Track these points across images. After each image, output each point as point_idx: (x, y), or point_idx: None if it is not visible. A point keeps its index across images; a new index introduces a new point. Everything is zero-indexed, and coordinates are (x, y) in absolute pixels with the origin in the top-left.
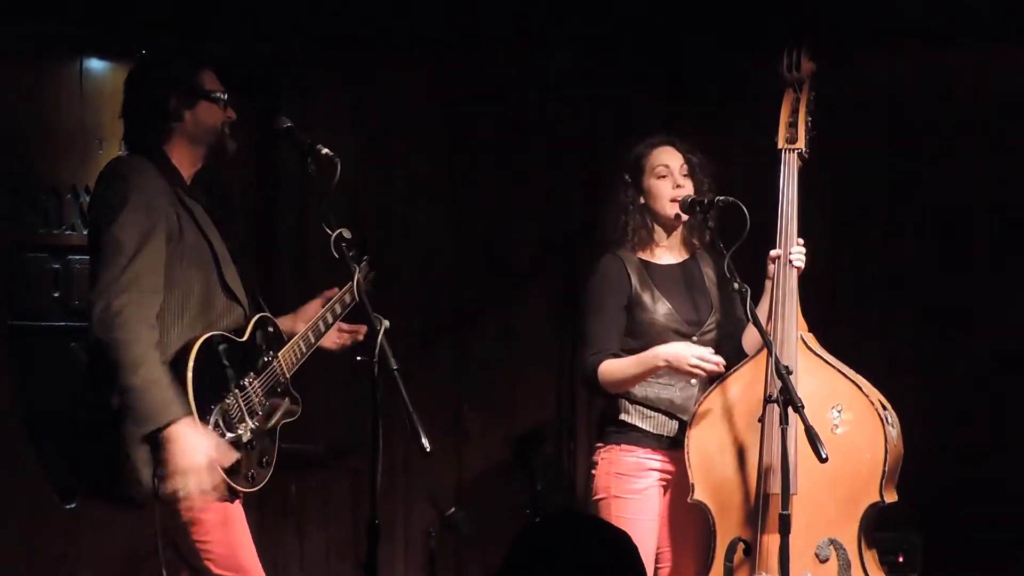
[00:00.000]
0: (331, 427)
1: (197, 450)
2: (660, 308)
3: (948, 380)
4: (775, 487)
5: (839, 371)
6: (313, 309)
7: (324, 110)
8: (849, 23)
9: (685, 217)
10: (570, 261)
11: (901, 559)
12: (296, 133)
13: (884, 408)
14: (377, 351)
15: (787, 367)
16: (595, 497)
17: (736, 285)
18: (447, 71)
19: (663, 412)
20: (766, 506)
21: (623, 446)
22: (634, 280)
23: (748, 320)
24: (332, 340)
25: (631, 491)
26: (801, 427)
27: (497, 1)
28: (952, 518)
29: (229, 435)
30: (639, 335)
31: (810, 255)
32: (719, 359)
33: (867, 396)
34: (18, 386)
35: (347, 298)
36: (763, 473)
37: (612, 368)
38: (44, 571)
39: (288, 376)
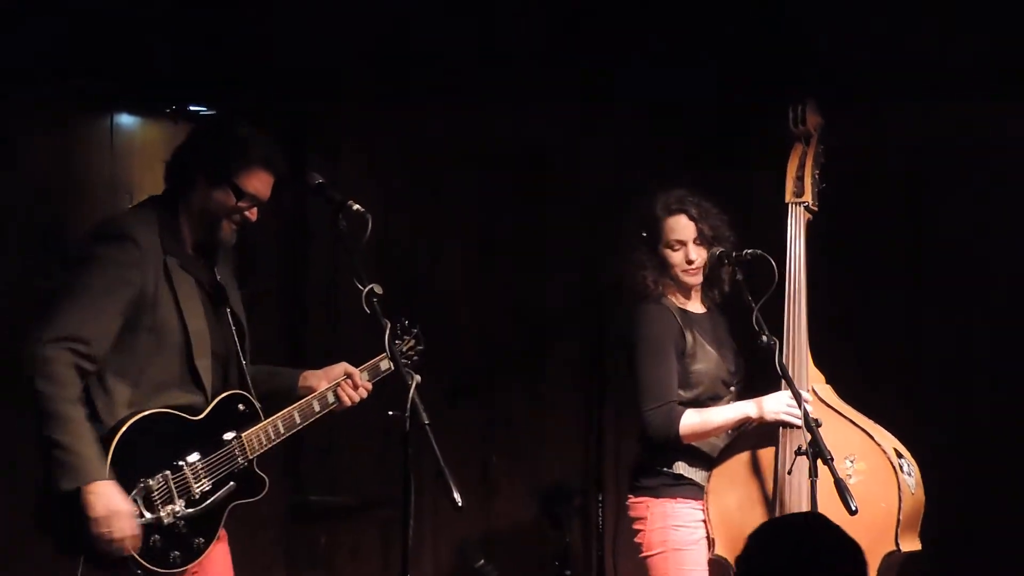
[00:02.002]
0: (361, 479)
1: (119, 500)
2: (711, 357)
3: (972, 431)
4: None
5: (851, 421)
6: (337, 371)
7: (349, 166)
8: (870, 76)
9: (698, 283)
10: (597, 315)
11: None
12: (327, 189)
13: (899, 456)
14: (408, 406)
15: (816, 420)
16: (646, 553)
17: (765, 338)
18: (473, 126)
19: (709, 459)
20: None
21: (678, 499)
22: (686, 331)
23: (779, 373)
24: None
25: (689, 542)
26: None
27: (524, 57)
28: (961, 535)
29: (148, 515)
30: (692, 385)
31: (826, 303)
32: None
33: (879, 445)
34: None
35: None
36: None
37: (698, 422)
38: None
39: (252, 457)
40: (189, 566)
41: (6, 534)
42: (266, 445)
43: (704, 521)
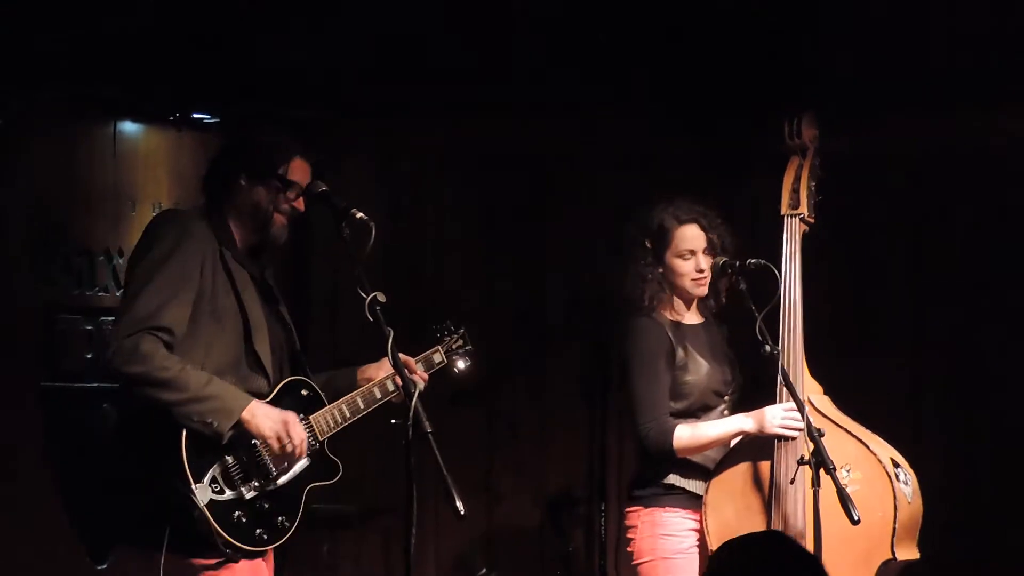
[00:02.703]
0: (363, 488)
1: (276, 410)
2: (701, 369)
3: (973, 444)
4: None
5: (846, 431)
6: (370, 372)
7: (353, 175)
8: (871, 85)
9: (704, 294)
10: (599, 322)
11: None
12: (331, 197)
13: (896, 466)
14: (411, 414)
15: (819, 430)
16: (637, 561)
17: (768, 347)
18: (476, 135)
19: (700, 480)
20: None
21: (667, 508)
22: (677, 345)
23: (781, 382)
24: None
25: (678, 551)
26: (806, 488)
27: (527, 66)
28: (959, 545)
29: (229, 493)
30: (682, 396)
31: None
32: (798, 423)
33: (875, 454)
34: (50, 447)
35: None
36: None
37: (690, 435)
38: None
39: (323, 439)
40: (275, 544)
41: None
42: (334, 428)
43: (695, 531)
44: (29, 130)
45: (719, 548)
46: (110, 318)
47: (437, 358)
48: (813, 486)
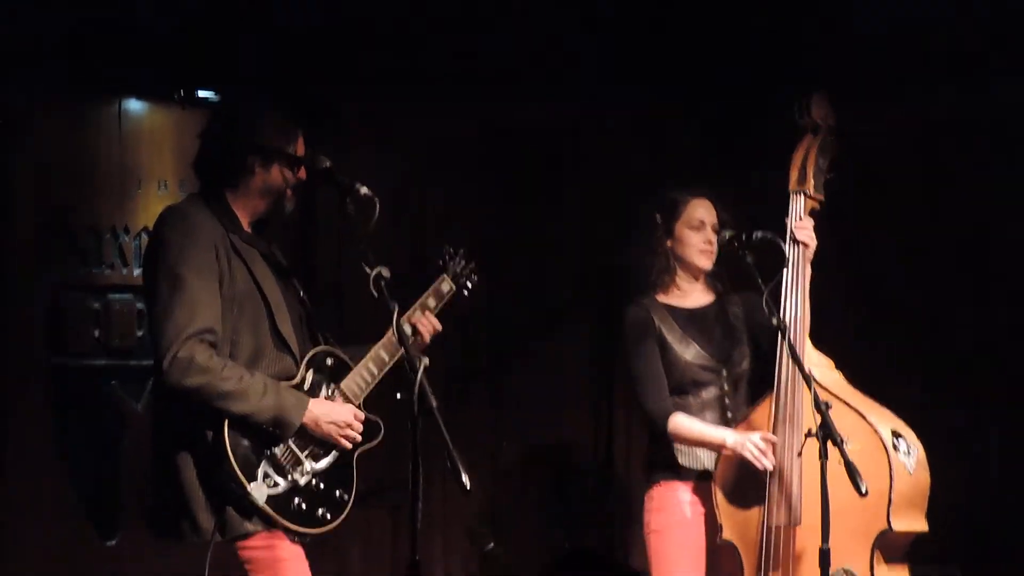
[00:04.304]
0: (370, 465)
1: (330, 404)
2: (687, 349)
3: (990, 415)
4: (784, 519)
5: (845, 403)
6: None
7: (356, 151)
8: (883, 58)
9: (710, 266)
10: (606, 298)
11: None
12: (335, 173)
13: (897, 437)
14: (416, 389)
15: (826, 402)
16: (645, 532)
17: (775, 321)
18: (483, 113)
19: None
20: (778, 539)
21: (662, 483)
22: (661, 326)
23: (789, 355)
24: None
25: (670, 524)
26: (805, 459)
27: (533, 46)
28: (991, 550)
29: (283, 483)
30: (667, 373)
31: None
32: (767, 462)
33: (872, 426)
34: (58, 424)
35: (430, 302)
36: (774, 504)
37: (683, 427)
38: None
39: (358, 403)
40: (340, 519)
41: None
42: (366, 389)
43: (694, 503)
44: (35, 109)
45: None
46: (117, 295)
47: (446, 287)
48: (820, 458)
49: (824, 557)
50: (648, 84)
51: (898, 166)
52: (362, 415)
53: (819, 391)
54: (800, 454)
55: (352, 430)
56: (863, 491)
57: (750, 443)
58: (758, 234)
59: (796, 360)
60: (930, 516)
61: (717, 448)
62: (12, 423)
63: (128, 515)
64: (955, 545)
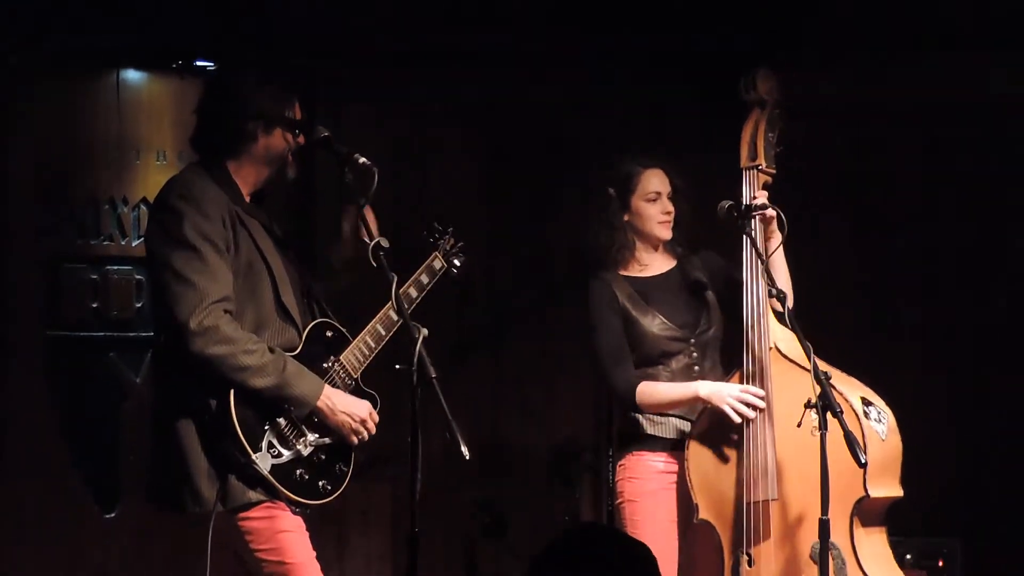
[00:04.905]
0: (369, 437)
1: (344, 395)
2: (652, 321)
3: (987, 387)
4: (761, 494)
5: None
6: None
7: (355, 123)
8: (870, 31)
9: (669, 236)
10: None
11: (941, 564)
12: (333, 142)
13: (867, 404)
14: (415, 359)
15: (826, 372)
16: (617, 502)
17: (773, 291)
18: (480, 83)
19: (675, 416)
20: (756, 514)
21: (634, 452)
22: (624, 300)
23: (787, 324)
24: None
25: (641, 493)
26: (776, 432)
27: (531, 14)
28: (992, 524)
29: (286, 454)
30: (635, 348)
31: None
32: (758, 400)
33: (841, 394)
34: (56, 396)
35: (423, 279)
36: (749, 480)
37: (650, 393)
38: None
39: (356, 376)
40: (338, 492)
41: None
42: (364, 362)
43: (665, 473)
44: (33, 80)
45: (544, 548)
46: (115, 267)
47: (437, 264)
48: (820, 429)
49: (824, 527)
50: (648, 53)
51: (889, 137)
52: (376, 416)
53: (784, 362)
54: (799, 425)
55: (364, 428)
56: (863, 461)
57: (728, 395)
58: (757, 202)
59: (795, 330)
60: (928, 488)
61: (690, 403)
62: (10, 395)
63: (128, 487)
64: (956, 518)
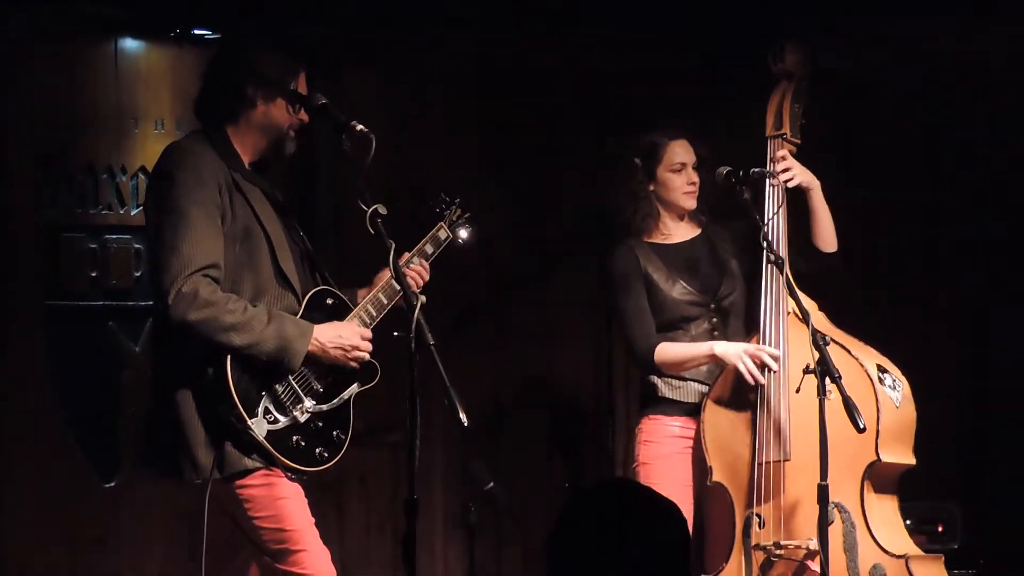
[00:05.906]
0: (369, 403)
1: (332, 327)
2: (673, 287)
3: (991, 354)
4: (773, 454)
5: (831, 340)
6: (386, 275)
7: (354, 90)
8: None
9: (694, 206)
10: (605, 236)
11: (941, 529)
12: (331, 110)
13: (883, 371)
14: (413, 327)
15: (824, 337)
16: (634, 465)
17: (773, 256)
18: (480, 51)
19: (694, 380)
20: (767, 475)
21: (651, 416)
22: (647, 266)
23: (784, 289)
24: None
25: (655, 456)
26: (791, 393)
27: None
28: (992, 489)
29: (283, 420)
30: (656, 312)
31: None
32: (772, 361)
33: (856, 359)
34: (56, 365)
35: (428, 249)
36: (762, 440)
37: (668, 353)
38: (83, 550)
39: None
40: (336, 459)
41: None
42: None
43: (680, 437)
44: (30, 49)
45: (565, 504)
46: (114, 236)
47: (443, 235)
48: (819, 395)
49: (823, 493)
50: (649, 23)
51: (897, 98)
52: (369, 333)
53: (800, 329)
54: (798, 391)
55: (360, 351)
56: (861, 427)
57: (744, 353)
58: (755, 171)
59: (795, 297)
60: (928, 453)
61: (706, 360)
62: (9, 365)
63: (127, 456)
64: (952, 482)
